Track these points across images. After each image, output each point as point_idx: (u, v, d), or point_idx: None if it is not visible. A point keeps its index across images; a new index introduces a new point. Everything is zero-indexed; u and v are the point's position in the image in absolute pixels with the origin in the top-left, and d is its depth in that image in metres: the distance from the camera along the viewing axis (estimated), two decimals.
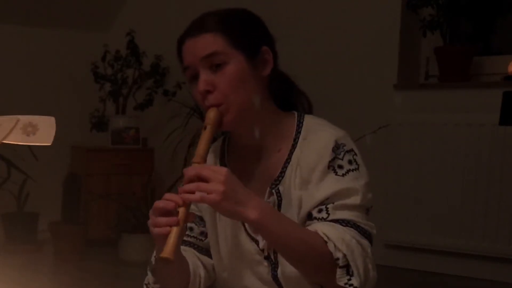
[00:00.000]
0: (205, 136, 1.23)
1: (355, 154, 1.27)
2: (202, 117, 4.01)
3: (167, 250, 1.11)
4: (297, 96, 1.40)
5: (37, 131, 1.12)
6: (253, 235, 1.30)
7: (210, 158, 1.37)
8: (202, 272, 1.36)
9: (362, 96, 3.71)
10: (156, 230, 1.15)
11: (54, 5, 4.29)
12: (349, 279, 1.15)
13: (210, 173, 1.14)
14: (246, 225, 1.30)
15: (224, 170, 1.15)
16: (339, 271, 1.15)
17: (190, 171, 1.16)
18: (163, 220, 1.15)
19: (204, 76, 1.25)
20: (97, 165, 4.17)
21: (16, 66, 4.26)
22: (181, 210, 1.15)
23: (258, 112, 1.29)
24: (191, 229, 1.39)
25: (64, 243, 3.73)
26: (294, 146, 1.29)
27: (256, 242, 1.30)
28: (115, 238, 3.88)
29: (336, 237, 1.16)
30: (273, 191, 1.28)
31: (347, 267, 1.15)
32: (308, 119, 1.33)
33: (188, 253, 1.37)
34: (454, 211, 3.43)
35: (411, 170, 3.54)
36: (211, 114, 1.25)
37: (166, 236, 1.13)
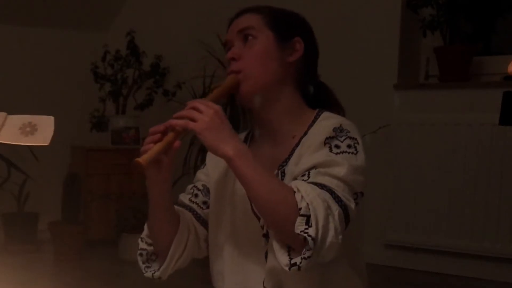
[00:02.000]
0: (215, 91, 1.33)
1: (357, 143, 1.27)
2: None
3: (142, 157, 1.21)
4: (333, 107, 1.43)
5: (36, 131, 1.12)
6: (257, 212, 1.31)
7: None
8: (192, 236, 1.40)
9: (362, 96, 3.71)
10: (142, 149, 1.25)
11: (54, 5, 4.29)
12: (306, 229, 1.13)
13: (204, 106, 1.23)
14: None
15: (216, 106, 1.23)
16: (299, 219, 1.14)
17: (189, 103, 1.25)
18: (148, 138, 1.26)
19: (235, 48, 1.36)
20: (97, 165, 4.17)
21: (16, 66, 4.26)
22: (170, 133, 1.25)
23: (277, 94, 1.35)
24: (196, 195, 1.45)
25: (64, 243, 3.73)
26: (306, 133, 1.34)
27: (259, 218, 1.31)
28: (115, 238, 3.88)
29: (305, 190, 1.17)
30: (279, 171, 1.32)
31: (307, 218, 1.14)
32: (327, 113, 1.37)
33: (185, 215, 1.41)
34: (454, 211, 3.43)
35: (411, 170, 3.54)
36: (230, 78, 1.34)
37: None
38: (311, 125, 1.34)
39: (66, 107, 4.24)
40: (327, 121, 1.31)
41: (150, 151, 1.22)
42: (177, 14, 4.48)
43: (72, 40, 4.51)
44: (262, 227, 1.31)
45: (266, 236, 1.30)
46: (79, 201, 3.82)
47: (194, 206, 1.44)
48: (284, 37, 1.36)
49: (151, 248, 1.40)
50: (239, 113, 3.87)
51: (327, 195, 1.17)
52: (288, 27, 1.38)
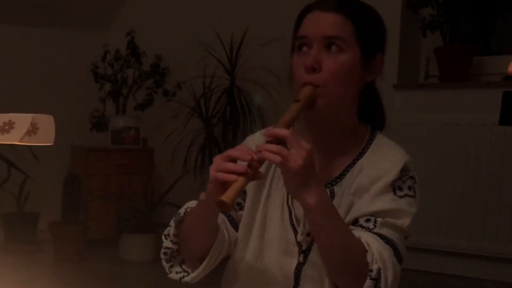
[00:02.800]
0: (293, 107, 1.21)
1: (415, 182, 1.32)
2: (202, 117, 4.01)
3: (229, 195, 1.07)
4: (378, 115, 1.39)
5: (38, 130, 1.11)
6: (296, 224, 1.29)
7: None
8: (226, 242, 1.33)
9: None
10: (220, 175, 1.12)
11: (54, 5, 4.29)
12: None
13: (295, 143, 1.14)
14: (293, 212, 1.29)
15: (308, 146, 1.14)
16: (368, 282, 1.16)
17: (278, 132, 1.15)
18: (231, 165, 1.12)
19: (317, 54, 1.24)
20: (97, 165, 4.17)
21: (16, 66, 4.26)
22: (254, 164, 1.12)
23: (344, 109, 1.29)
24: None
25: (64, 243, 3.73)
26: (361, 154, 1.30)
27: (296, 233, 1.29)
28: (115, 238, 3.88)
29: (377, 250, 1.18)
30: (328, 189, 1.29)
31: (376, 281, 1.17)
32: (381, 136, 1.35)
33: (223, 223, 1.35)
34: (454, 211, 3.43)
35: None
36: (307, 90, 1.23)
37: (226, 182, 1.11)
38: (366, 147, 1.31)
39: (66, 107, 4.24)
40: (391, 154, 1.29)
41: (235, 186, 1.09)
42: (177, 14, 4.48)
43: (72, 40, 4.51)
44: (298, 244, 1.28)
45: (300, 252, 1.28)
46: (79, 201, 3.82)
47: None
48: (369, 55, 1.27)
49: (176, 246, 1.32)
50: (239, 113, 3.87)
51: (392, 253, 1.21)
52: (374, 42, 1.30)
